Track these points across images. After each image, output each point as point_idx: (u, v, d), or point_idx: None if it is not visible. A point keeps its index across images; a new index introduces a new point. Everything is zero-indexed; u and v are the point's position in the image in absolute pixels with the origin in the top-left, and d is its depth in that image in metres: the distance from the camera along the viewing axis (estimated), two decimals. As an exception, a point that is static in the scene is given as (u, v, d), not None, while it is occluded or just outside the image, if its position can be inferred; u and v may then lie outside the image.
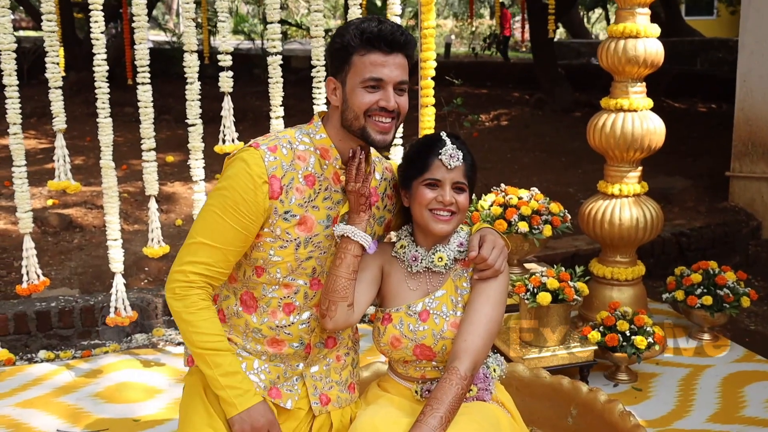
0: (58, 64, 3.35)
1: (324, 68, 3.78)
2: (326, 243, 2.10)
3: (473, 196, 2.28)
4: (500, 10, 17.09)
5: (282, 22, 20.15)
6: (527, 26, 11.94)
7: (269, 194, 1.98)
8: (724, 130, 6.12)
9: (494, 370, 2.27)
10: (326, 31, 20.19)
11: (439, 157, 2.10)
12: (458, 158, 2.10)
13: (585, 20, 25.84)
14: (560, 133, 9.60)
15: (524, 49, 20.31)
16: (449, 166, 2.10)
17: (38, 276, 3.63)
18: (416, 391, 2.22)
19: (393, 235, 2.33)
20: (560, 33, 27.81)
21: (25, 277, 3.62)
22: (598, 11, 26.27)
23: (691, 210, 6.22)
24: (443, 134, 2.16)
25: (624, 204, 3.87)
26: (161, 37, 19.45)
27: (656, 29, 3.77)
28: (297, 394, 2.16)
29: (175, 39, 17.79)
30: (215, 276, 2.03)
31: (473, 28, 22.55)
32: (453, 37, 28.84)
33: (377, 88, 1.98)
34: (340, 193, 2.09)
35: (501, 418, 2.15)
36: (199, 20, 10.66)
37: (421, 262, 2.19)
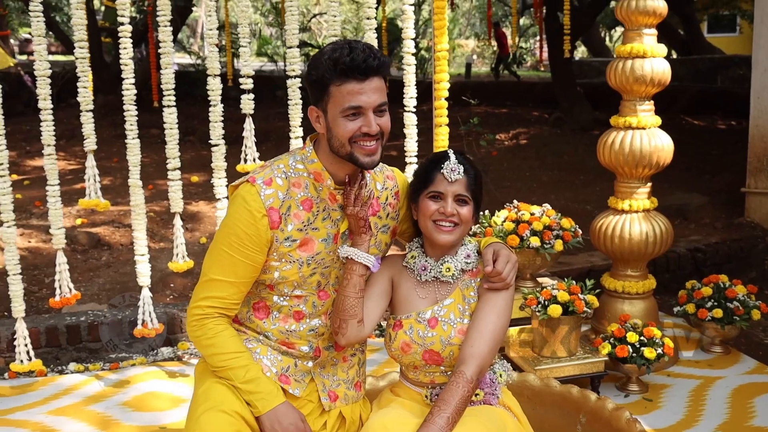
0: (88, 88, 3.53)
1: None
2: (329, 258, 2.23)
3: (485, 212, 2.41)
4: (495, 30, 17.24)
5: (304, 44, 20.46)
6: (545, 46, 12.06)
7: (269, 225, 2.12)
8: (743, 146, 6.19)
9: (500, 375, 2.38)
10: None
11: (442, 170, 2.24)
12: (459, 172, 2.24)
13: (606, 39, 25.94)
14: (579, 152, 9.69)
15: (543, 69, 20.41)
16: (450, 179, 2.24)
17: (70, 290, 3.79)
18: (426, 396, 2.34)
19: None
20: (581, 52, 27.92)
21: (57, 291, 3.79)
22: (620, 30, 26.31)
23: (708, 226, 6.28)
24: (449, 151, 2.30)
25: (634, 219, 3.97)
26: (186, 59, 19.82)
27: (663, 49, 3.88)
28: (305, 385, 2.30)
29: (199, 62, 18.12)
30: (229, 307, 2.20)
31: (494, 48, 22.69)
32: (474, 57, 29.02)
33: (358, 114, 2.05)
34: (338, 211, 2.22)
35: (507, 421, 2.26)
36: (223, 43, 10.93)
37: (429, 272, 2.32)
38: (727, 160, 8.46)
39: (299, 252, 2.17)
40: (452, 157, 2.26)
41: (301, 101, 3.89)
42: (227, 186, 3.85)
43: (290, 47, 3.79)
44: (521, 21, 22.19)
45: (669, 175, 7.87)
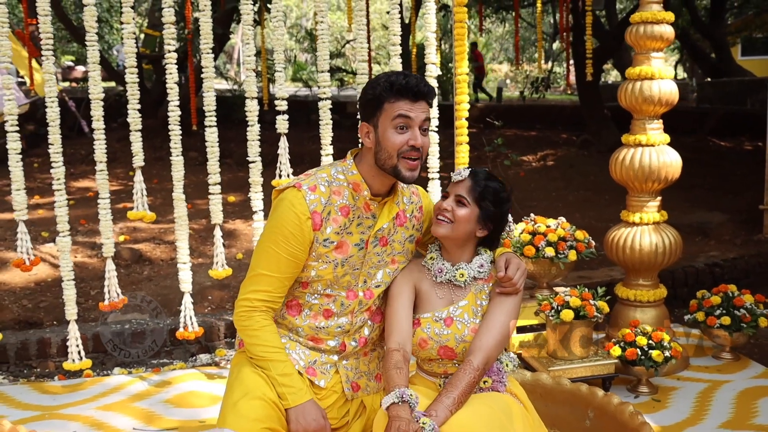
0: (137, 110, 3.88)
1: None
2: (359, 261, 2.51)
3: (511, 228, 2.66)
4: (471, 50, 17.39)
5: (339, 70, 20.87)
6: (573, 69, 12.28)
7: (312, 227, 2.40)
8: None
9: (507, 365, 2.63)
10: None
11: (451, 174, 2.59)
12: (461, 174, 2.56)
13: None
14: (604, 172, 9.77)
15: (570, 92, 20.58)
16: (453, 180, 2.57)
17: (118, 294, 4.12)
18: (440, 385, 2.58)
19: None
20: (614, 75, 28.01)
21: (106, 296, 4.11)
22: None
23: (727, 243, 6.45)
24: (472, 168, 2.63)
25: (644, 231, 4.19)
26: (223, 85, 20.36)
27: (670, 71, 4.12)
28: (330, 377, 2.55)
29: (236, 87, 18.59)
30: (275, 300, 2.46)
31: (527, 73, 22.93)
32: (507, 81, 29.26)
33: (405, 128, 2.36)
34: (371, 219, 2.50)
35: (512, 405, 2.50)
36: (259, 69, 11.33)
37: (445, 275, 2.59)
38: (750, 180, 8.59)
39: (335, 254, 2.45)
40: (465, 168, 2.59)
41: (331, 122, 4.19)
42: (266, 195, 4.15)
43: (321, 71, 4.10)
44: (554, 45, 22.39)
45: (692, 194, 8.09)
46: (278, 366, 2.41)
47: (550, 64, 20.59)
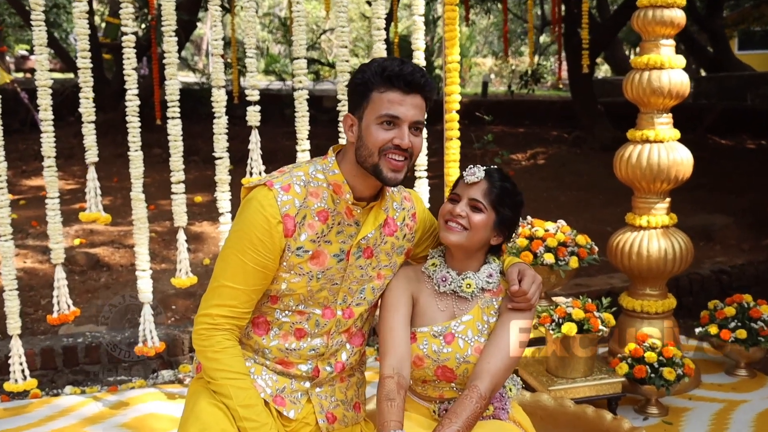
0: (89, 99, 3.65)
1: (350, 103, 4.03)
2: (338, 275, 2.29)
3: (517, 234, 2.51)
4: None
5: (314, 61, 20.68)
6: (564, 63, 12.18)
7: (284, 232, 2.17)
8: (771, 165, 6.29)
9: (510, 390, 2.45)
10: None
11: (464, 173, 2.35)
12: (477, 175, 2.33)
13: (631, 56, 26.05)
14: (599, 171, 9.78)
15: (562, 87, 20.54)
16: (467, 181, 2.34)
17: (69, 306, 3.89)
18: (434, 411, 2.40)
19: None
20: (604, 70, 28.05)
21: (56, 307, 3.88)
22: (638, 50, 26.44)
23: (734, 248, 6.34)
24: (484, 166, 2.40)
25: (652, 236, 4.03)
26: (190, 78, 20.08)
27: (681, 60, 3.96)
28: (301, 407, 2.34)
29: (204, 79, 18.34)
30: (240, 316, 2.23)
31: (513, 67, 22.86)
32: (492, 76, 29.20)
33: (393, 125, 2.14)
34: (353, 226, 2.28)
35: (517, 436, 2.33)
36: (229, 60, 11.11)
37: (449, 285, 2.38)
38: (754, 180, 8.53)
39: (310, 265, 2.22)
40: (478, 166, 2.36)
41: (308, 114, 4.00)
42: (235, 195, 3.94)
43: (297, 58, 3.90)
44: (541, 38, 22.34)
45: (692, 195, 7.99)
46: (240, 395, 2.19)
47: (537, 57, 20.52)
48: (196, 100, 14.13)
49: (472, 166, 2.37)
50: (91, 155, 3.71)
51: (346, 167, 2.24)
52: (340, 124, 4.02)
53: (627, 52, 23.23)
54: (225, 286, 2.20)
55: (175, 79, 3.82)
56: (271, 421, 2.21)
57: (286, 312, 2.29)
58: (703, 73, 18.02)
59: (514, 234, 2.47)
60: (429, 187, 4.06)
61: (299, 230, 2.19)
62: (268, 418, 2.21)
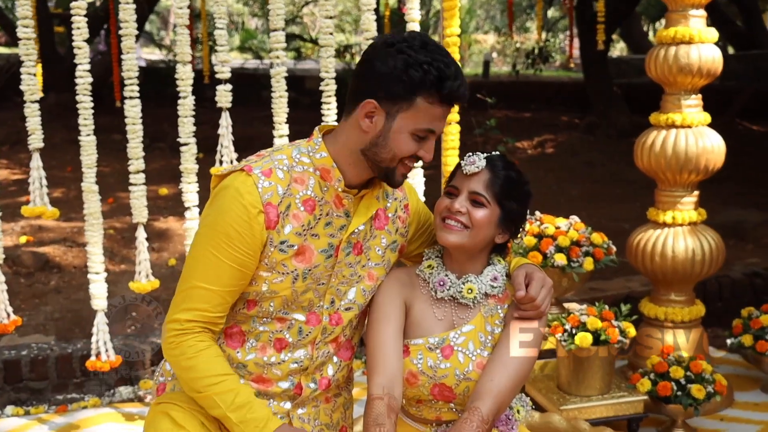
0: (34, 75, 3.55)
1: (334, 81, 3.95)
2: (326, 274, 2.23)
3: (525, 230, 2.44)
4: None
5: (295, 37, 20.63)
6: (576, 40, 12.15)
7: (265, 224, 2.11)
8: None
9: (518, 411, 2.39)
10: (345, 47, 20.45)
11: (462, 163, 2.28)
12: (477, 165, 2.25)
13: (650, 33, 26.12)
14: (615, 161, 9.80)
15: (573, 67, 20.55)
16: (466, 172, 2.26)
17: (8, 315, 3.80)
18: (430, 434, 2.34)
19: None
20: (620, 48, 28.12)
21: (-7, 316, 3.81)
22: (664, 22, 26.50)
23: (768, 247, 6.33)
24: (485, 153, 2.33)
25: (678, 234, 4.00)
26: (155, 55, 20.02)
27: (713, 34, 3.92)
28: None
29: (171, 57, 18.29)
30: (213, 321, 2.17)
31: (517, 44, 22.85)
32: (495, 54, 29.21)
33: (425, 138, 2.14)
34: (343, 217, 2.23)
35: (525, 465, 2.27)
36: (199, 35, 11.03)
37: (448, 289, 2.32)
38: (792, 172, 8.53)
39: (295, 262, 2.17)
40: (478, 154, 2.28)
41: (286, 94, 3.93)
42: (203, 187, 3.86)
43: (274, 30, 3.83)
44: (550, 12, 22.34)
45: (722, 188, 7.96)
46: (228, 398, 2.12)
47: (544, 34, 20.53)
48: (161, 80, 14.06)
49: (471, 154, 2.29)
50: (35, 140, 3.62)
51: (338, 150, 2.19)
52: (324, 109, 3.97)
53: (645, 28, 23.28)
54: (196, 287, 2.14)
55: (133, 53, 3.73)
56: (269, 412, 2.17)
57: (264, 319, 2.24)
58: (732, 51, 18.01)
59: (521, 230, 2.40)
60: (424, 179, 3.99)
61: (283, 221, 2.13)
62: (265, 410, 2.16)
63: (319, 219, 2.19)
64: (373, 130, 2.13)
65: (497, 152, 2.34)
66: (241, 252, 2.11)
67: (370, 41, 3.83)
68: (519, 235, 2.42)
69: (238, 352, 2.25)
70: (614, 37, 21.22)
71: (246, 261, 2.12)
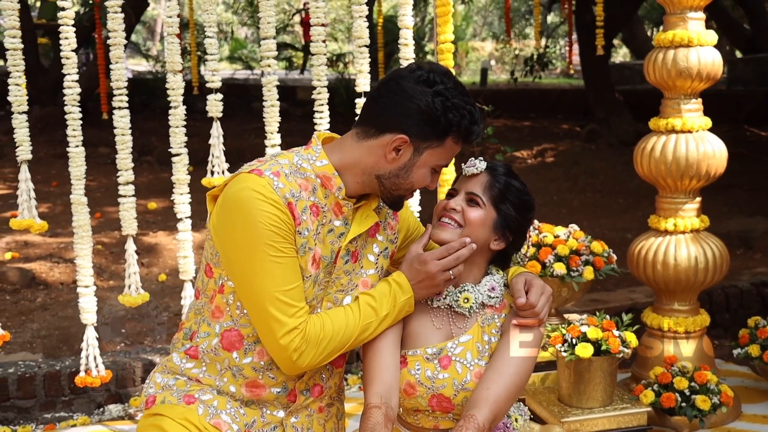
0: (21, 85, 3.60)
1: (326, 90, 4.00)
2: (324, 281, 2.29)
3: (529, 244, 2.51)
4: (301, 17, 17.43)
5: (286, 46, 20.70)
6: (575, 46, 12.22)
7: (293, 218, 2.17)
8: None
9: (516, 420, 2.44)
10: (338, 56, 20.47)
11: (463, 165, 2.38)
12: (475, 167, 2.34)
13: (653, 37, 26.22)
14: (617, 170, 9.84)
15: (573, 74, 20.63)
16: (466, 173, 2.36)
17: (-3, 329, 3.84)
18: (427, 444, 2.39)
19: None
20: (622, 54, 28.21)
21: (-20, 332, 3.84)
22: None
23: (777, 256, 6.37)
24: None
25: (680, 241, 4.03)
26: (143, 66, 20.07)
27: (712, 36, 3.97)
28: None
29: (159, 68, 18.33)
30: (309, 306, 2.25)
31: (516, 51, 22.95)
32: (492, 62, 29.31)
33: (437, 171, 2.31)
34: (342, 225, 2.29)
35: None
36: (187, 45, 11.08)
37: (444, 298, 2.38)
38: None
39: (311, 267, 2.23)
40: (480, 158, 2.38)
41: (278, 103, 3.97)
42: (196, 200, 3.91)
43: (265, 38, 3.88)
44: (549, 18, 22.43)
45: (728, 195, 8.01)
46: (369, 314, 2.28)
47: (544, 40, 20.62)
48: (149, 92, 14.12)
49: (473, 158, 2.38)
50: (23, 152, 3.66)
51: (344, 163, 2.26)
52: (316, 118, 4.01)
53: (649, 33, 23.36)
54: (279, 298, 2.16)
55: (122, 63, 3.79)
56: (390, 288, 2.33)
57: None
58: (739, 55, 18.06)
59: (523, 243, 2.48)
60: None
61: (301, 222, 2.19)
62: (386, 287, 2.33)
63: (323, 225, 2.25)
64: (397, 162, 2.23)
65: (504, 164, 2.42)
66: (285, 246, 2.15)
67: (363, 49, 3.91)
68: (522, 250, 2.48)
69: (235, 355, 2.29)
70: (617, 42, 21.32)
71: (294, 252, 2.18)
